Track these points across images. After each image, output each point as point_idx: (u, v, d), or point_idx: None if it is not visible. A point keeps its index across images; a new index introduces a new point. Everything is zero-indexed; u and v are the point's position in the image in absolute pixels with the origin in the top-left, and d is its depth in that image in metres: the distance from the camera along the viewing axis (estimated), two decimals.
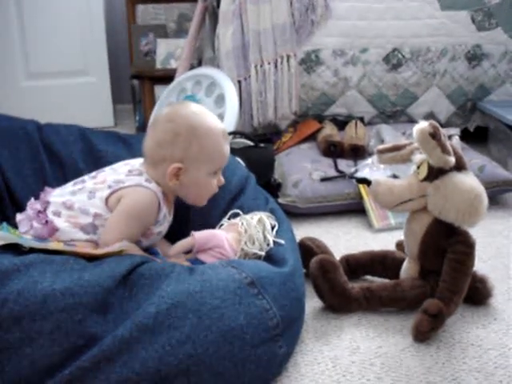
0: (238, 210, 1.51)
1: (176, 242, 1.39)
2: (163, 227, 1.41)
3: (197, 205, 1.43)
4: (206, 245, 1.35)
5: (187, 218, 1.55)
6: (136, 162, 1.40)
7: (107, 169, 1.41)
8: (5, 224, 1.35)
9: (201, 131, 1.33)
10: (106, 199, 1.33)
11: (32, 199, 1.41)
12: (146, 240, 1.38)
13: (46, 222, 1.34)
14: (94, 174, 1.42)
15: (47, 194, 1.40)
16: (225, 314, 1.09)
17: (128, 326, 1.03)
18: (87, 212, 1.33)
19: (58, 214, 1.35)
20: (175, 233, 1.46)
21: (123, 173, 1.36)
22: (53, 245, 1.25)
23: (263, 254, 1.37)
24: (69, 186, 1.41)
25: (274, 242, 1.39)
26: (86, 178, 1.41)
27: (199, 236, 1.35)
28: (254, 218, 1.43)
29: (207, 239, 1.35)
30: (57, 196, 1.38)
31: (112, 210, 1.33)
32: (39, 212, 1.36)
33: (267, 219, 1.44)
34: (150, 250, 1.39)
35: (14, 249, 1.19)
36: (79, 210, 1.34)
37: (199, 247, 1.35)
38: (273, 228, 1.44)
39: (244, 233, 1.38)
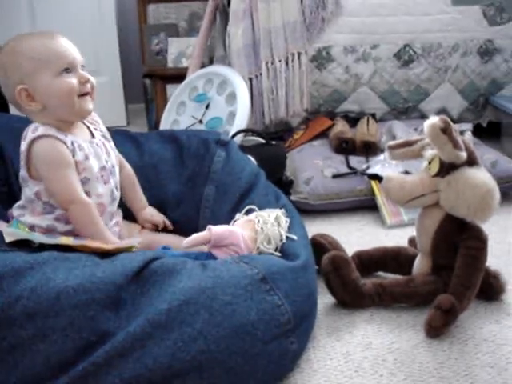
0: (253, 206, 1.48)
1: (192, 235, 1.33)
2: (92, 152, 1.38)
3: (80, 115, 1.37)
4: (222, 241, 1.31)
5: (197, 211, 1.55)
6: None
7: None
8: (15, 220, 1.36)
9: (20, 46, 1.31)
10: (28, 175, 1.33)
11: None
12: (104, 185, 1.39)
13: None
14: None
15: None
16: (236, 310, 1.09)
17: (140, 322, 1.04)
18: (31, 198, 1.35)
19: (22, 216, 1.37)
20: (184, 226, 1.46)
21: None
22: (62, 239, 1.25)
23: (279, 255, 1.34)
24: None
25: (287, 237, 1.38)
26: None
27: (216, 231, 1.31)
28: (270, 215, 1.40)
29: (224, 236, 1.31)
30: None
31: (40, 177, 1.32)
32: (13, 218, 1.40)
33: (283, 217, 1.43)
34: (162, 247, 1.39)
35: (24, 245, 1.20)
36: (27, 201, 1.37)
37: (215, 243, 1.31)
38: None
39: (260, 230, 1.36)
